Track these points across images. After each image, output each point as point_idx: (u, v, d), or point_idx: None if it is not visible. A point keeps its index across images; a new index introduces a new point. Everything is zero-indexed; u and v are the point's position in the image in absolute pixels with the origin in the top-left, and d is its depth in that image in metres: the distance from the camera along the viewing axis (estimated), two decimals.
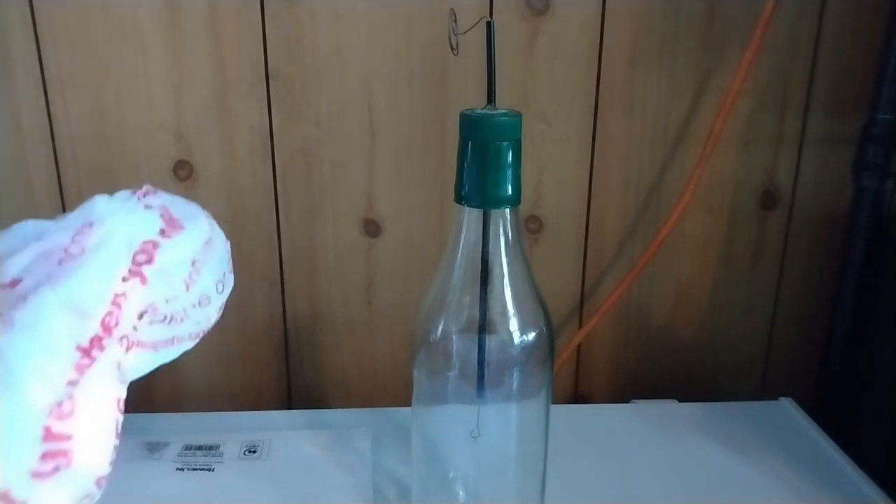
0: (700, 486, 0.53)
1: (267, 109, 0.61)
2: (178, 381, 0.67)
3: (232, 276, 0.37)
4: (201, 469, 0.53)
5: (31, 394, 0.27)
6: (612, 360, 0.70)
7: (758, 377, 0.71)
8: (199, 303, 0.35)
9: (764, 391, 0.71)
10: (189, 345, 0.35)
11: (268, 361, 0.68)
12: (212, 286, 0.35)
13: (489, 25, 0.38)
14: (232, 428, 0.58)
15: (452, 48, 0.39)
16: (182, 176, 0.62)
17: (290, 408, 0.69)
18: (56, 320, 0.29)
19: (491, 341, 0.41)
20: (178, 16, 0.58)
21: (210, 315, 0.36)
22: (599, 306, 0.65)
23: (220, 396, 0.68)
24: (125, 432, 0.32)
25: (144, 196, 0.35)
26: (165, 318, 0.33)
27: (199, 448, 0.55)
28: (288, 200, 0.63)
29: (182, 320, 0.34)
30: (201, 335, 0.36)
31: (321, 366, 0.68)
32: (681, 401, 0.66)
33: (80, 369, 0.29)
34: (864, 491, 0.53)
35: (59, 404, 0.28)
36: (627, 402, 0.67)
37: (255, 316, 0.66)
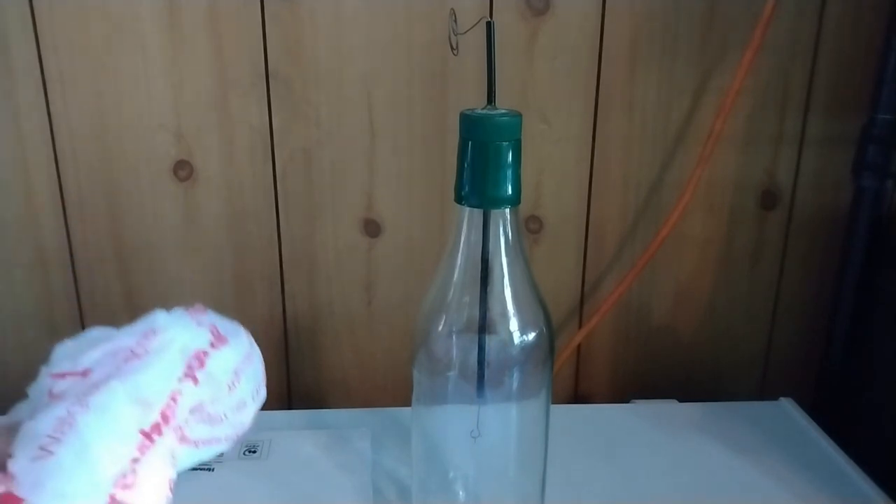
0: (700, 486, 0.53)
1: (267, 109, 0.61)
2: None
3: (265, 388, 0.42)
4: (201, 469, 0.53)
5: (101, 467, 0.32)
6: (612, 360, 0.70)
7: (758, 377, 0.71)
8: (237, 407, 0.40)
9: (764, 391, 0.71)
10: (224, 447, 0.41)
11: (268, 361, 0.67)
12: (248, 394, 0.41)
13: (489, 25, 0.38)
14: None
15: (452, 48, 0.39)
16: (182, 176, 0.62)
17: (290, 408, 0.69)
18: (124, 408, 0.34)
19: (491, 341, 0.41)
20: (178, 16, 0.58)
21: (244, 421, 0.41)
22: (599, 306, 0.65)
23: None
24: None
25: (196, 313, 0.40)
26: (209, 417, 0.39)
27: None
28: (288, 200, 0.63)
29: (222, 422, 0.40)
30: (235, 439, 0.41)
31: (321, 366, 0.68)
32: (681, 401, 0.66)
33: (142, 450, 0.34)
34: (864, 491, 0.53)
35: (124, 476, 0.33)
36: (627, 402, 0.67)
37: (255, 316, 0.66)
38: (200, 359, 0.38)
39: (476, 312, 0.40)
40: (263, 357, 0.67)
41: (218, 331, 0.40)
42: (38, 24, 0.58)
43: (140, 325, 0.38)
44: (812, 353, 0.69)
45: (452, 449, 0.44)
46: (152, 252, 0.64)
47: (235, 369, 0.40)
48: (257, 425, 0.59)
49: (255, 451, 0.55)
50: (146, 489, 0.34)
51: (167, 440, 0.35)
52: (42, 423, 0.32)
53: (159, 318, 0.39)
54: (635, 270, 0.64)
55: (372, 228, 0.65)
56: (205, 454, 0.40)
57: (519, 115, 0.38)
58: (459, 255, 0.40)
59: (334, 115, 0.62)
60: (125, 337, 0.37)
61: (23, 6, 0.57)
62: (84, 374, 0.35)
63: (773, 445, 0.58)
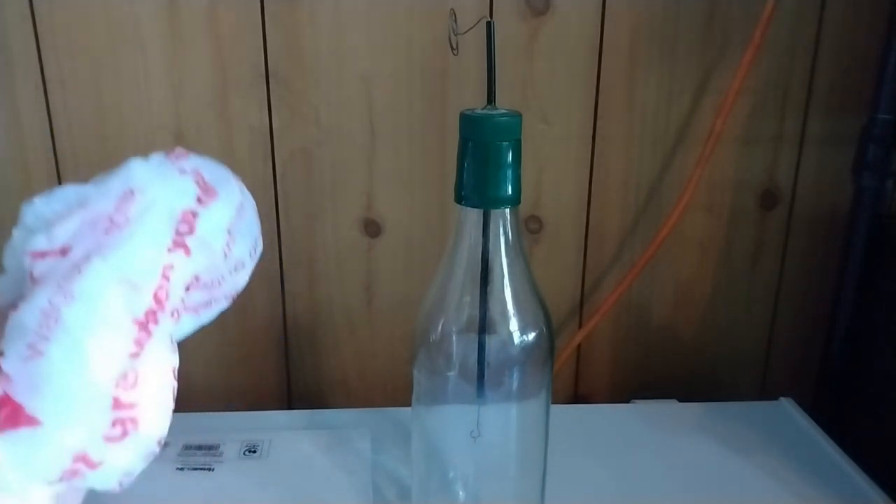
0: (700, 486, 0.53)
1: (267, 109, 0.61)
2: (178, 381, 0.67)
3: (261, 240, 0.38)
4: (201, 469, 0.53)
5: (99, 367, 0.29)
6: (612, 360, 0.70)
7: (758, 377, 0.71)
8: (235, 268, 0.36)
9: (764, 391, 0.71)
10: (225, 305, 0.37)
11: (268, 361, 0.68)
12: (245, 252, 0.37)
13: (489, 25, 0.38)
14: (232, 428, 0.58)
15: (452, 48, 0.39)
16: None
17: (290, 408, 0.69)
18: (112, 295, 0.30)
19: (491, 341, 0.41)
20: (177, 16, 0.58)
21: (244, 279, 0.37)
22: (599, 306, 0.65)
23: (220, 396, 0.68)
24: None
25: (178, 159, 0.35)
26: (205, 284, 0.35)
27: (199, 448, 0.55)
28: (288, 200, 0.63)
29: (220, 285, 0.36)
30: (235, 296, 0.37)
31: (321, 366, 0.68)
32: (681, 401, 0.66)
33: (140, 343, 0.30)
34: (864, 491, 0.53)
35: (124, 376, 0.30)
36: (627, 402, 0.67)
37: (255, 316, 0.66)
38: (189, 222, 0.33)
39: (476, 312, 0.40)
40: (263, 357, 0.68)
41: (204, 180, 0.35)
42: (38, 24, 0.58)
43: (116, 182, 0.34)
44: (812, 353, 0.69)
45: (452, 449, 0.44)
46: None
47: (229, 228, 0.35)
48: (257, 425, 0.59)
49: (255, 451, 0.55)
50: (150, 384, 0.31)
51: (164, 326, 0.32)
52: (27, 316, 0.29)
53: (136, 170, 0.34)
54: (635, 270, 0.64)
55: (372, 228, 0.65)
56: (206, 318, 0.36)
57: (519, 115, 0.38)
58: (459, 255, 0.40)
59: (334, 115, 0.62)
60: (102, 199, 0.33)
61: (23, 6, 0.57)
62: (63, 251, 0.31)
63: (773, 445, 0.58)
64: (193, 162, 0.36)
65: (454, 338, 0.41)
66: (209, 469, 0.53)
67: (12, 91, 0.59)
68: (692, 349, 0.70)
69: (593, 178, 0.65)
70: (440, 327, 0.41)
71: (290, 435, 0.58)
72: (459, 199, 0.39)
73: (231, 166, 0.62)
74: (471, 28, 0.38)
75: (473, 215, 0.39)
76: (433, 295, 0.42)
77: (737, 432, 0.59)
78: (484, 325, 0.40)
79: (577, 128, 0.63)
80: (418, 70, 0.61)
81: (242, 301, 0.68)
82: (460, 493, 0.45)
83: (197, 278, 0.34)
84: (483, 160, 0.38)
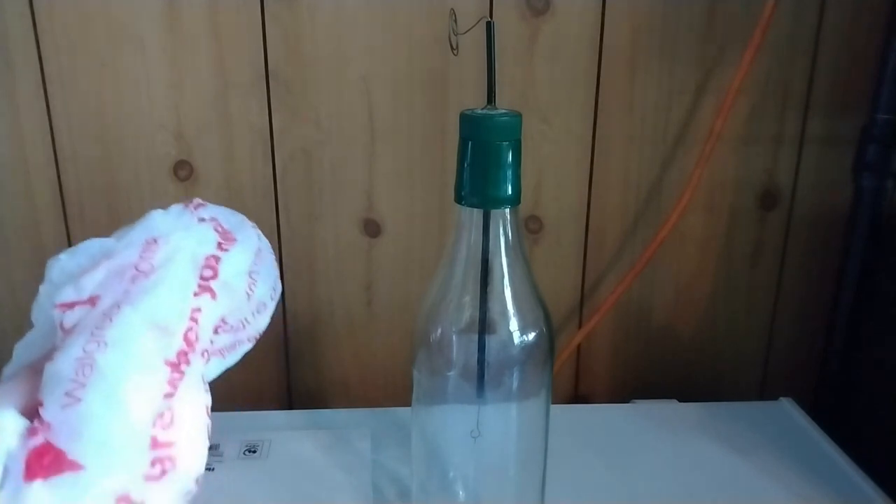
0: (700, 486, 0.53)
1: (267, 109, 0.61)
2: None
3: (280, 282, 0.39)
4: None
5: (136, 409, 0.30)
6: (612, 360, 0.70)
7: (758, 377, 0.71)
8: (257, 310, 0.38)
9: (764, 391, 0.71)
10: (248, 347, 0.38)
11: (268, 361, 0.68)
12: (266, 294, 0.38)
13: (489, 25, 0.38)
14: (232, 428, 0.58)
15: (452, 48, 0.39)
16: (182, 176, 0.62)
17: (290, 408, 0.69)
18: (144, 339, 0.31)
19: (491, 341, 0.41)
20: (178, 16, 0.58)
21: (265, 320, 0.39)
22: (599, 306, 0.65)
23: (220, 396, 0.67)
24: None
25: (196, 209, 0.37)
26: (231, 327, 0.36)
27: None
28: (288, 200, 0.63)
29: (244, 328, 0.37)
30: (258, 338, 0.39)
31: (321, 366, 0.68)
32: (681, 401, 0.66)
33: (174, 383, 0.32)
34: (864, 491, 0.53)
35: (161, 416, 0.31)
36: (627, 402, 0.67)
37: None
38: (212, 266, 0.34)
39: (476, 312, 0.40)
40: (263, 357, 0.68)
41: (223, 227, 0.37)
42: (38, 24, 0.58)
43: (139, 232, 0.35)
44: (812, 353, 0.69)
45: (452, 449, 0.44)
46: None
47: (249, 270, 0.37)
48: (257, 425, 0.59)
49: (255, 451, 0.55)
50: (186, 423, 0.32)
51: (196, 366, 0.33)
52: (63, 365, 0.30)
53: (157, 221, 0.36)
54: (635, 270, 0.64)
55: (372, 228, 0.65)
56: (232, 360, 0.38)
57: (519, 115, 0.38)
58: (459, 255, 0.40)
59: (334, 115, 0.62)
60: (126, 250, 0.34)
61: (23, 6, 0.57)
62: (92, 301, 0.32)
63: (773, 445, 0.58)
64: (211, 210, 0.38)
65: (454, 338, 0.41)
66: (209, 469, 0.53)
67: (12, 91, 0.59)
68: (692, 349, 0.70)
69: (593, 178, 0.65)
70: (440, 327, 0.41)
71: (290, 435, 0.58)
72: (459, 199, 0.39)
73: (231, 166, 0.62)
74: (471, 28, 0.38)
75: (473, 215, 0.39)
76: (433, 295, 0.42)
77: (737, 432, 0.59)
78: (484, 325, 0.40)
79: (577, 128, 0.63)
80: (418, 70, 0.61)
81: None
82: (460, 493, 0.45)
83: (224, 321, 0.36)
84: (483, 160, 0.38)
